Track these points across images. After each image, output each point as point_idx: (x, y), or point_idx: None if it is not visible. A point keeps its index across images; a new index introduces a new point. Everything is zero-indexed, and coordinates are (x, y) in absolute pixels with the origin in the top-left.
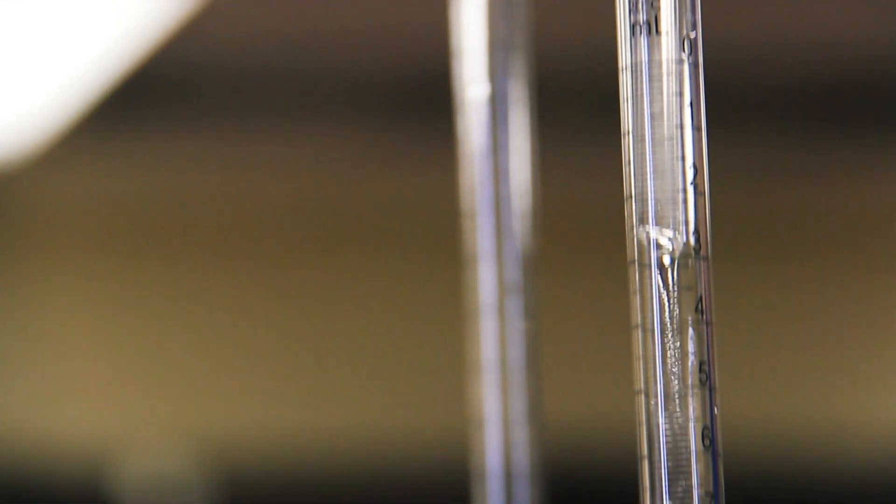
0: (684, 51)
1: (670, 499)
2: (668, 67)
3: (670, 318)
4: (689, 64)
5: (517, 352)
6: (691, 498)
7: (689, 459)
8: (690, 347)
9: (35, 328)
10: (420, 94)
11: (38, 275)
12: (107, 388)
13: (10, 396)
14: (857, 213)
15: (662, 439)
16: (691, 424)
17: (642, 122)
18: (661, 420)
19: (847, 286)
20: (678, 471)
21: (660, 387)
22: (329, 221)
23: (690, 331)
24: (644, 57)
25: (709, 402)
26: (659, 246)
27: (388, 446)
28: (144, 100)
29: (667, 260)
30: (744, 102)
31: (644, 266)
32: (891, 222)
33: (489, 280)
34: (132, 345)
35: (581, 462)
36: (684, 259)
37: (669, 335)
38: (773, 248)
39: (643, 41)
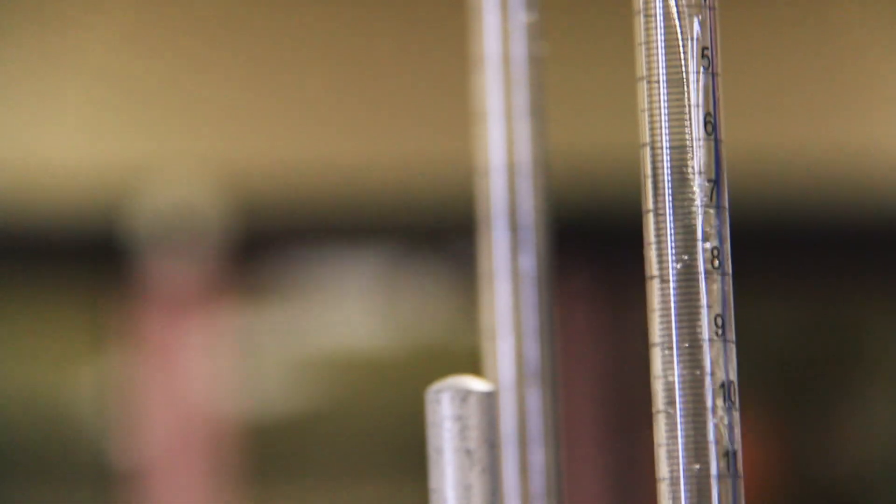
0: None
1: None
2: None
3: (680, 70)
4: None
5: (523, 100)
6: (696, 252)
7: (694, 218)
8: (696, 100)
9: (49, 58)
10: None
11: (59, 5)
12: (126, 119)
13: (29, 127)
14: None
15: (668, 194)
16: (696, 176)
17: None
18: (667, 174)
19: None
20: (686, 228)
21: (666, 141)
22: None
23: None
24: None
25: (714, 155)
26: None
27: (396, 173)
28: None
29: None
30: None
31: None
32: None
33: (494, 31)
34: (150, 75)
35: (583, 207)
36: None
37: (677, 87)
38: None
39: None
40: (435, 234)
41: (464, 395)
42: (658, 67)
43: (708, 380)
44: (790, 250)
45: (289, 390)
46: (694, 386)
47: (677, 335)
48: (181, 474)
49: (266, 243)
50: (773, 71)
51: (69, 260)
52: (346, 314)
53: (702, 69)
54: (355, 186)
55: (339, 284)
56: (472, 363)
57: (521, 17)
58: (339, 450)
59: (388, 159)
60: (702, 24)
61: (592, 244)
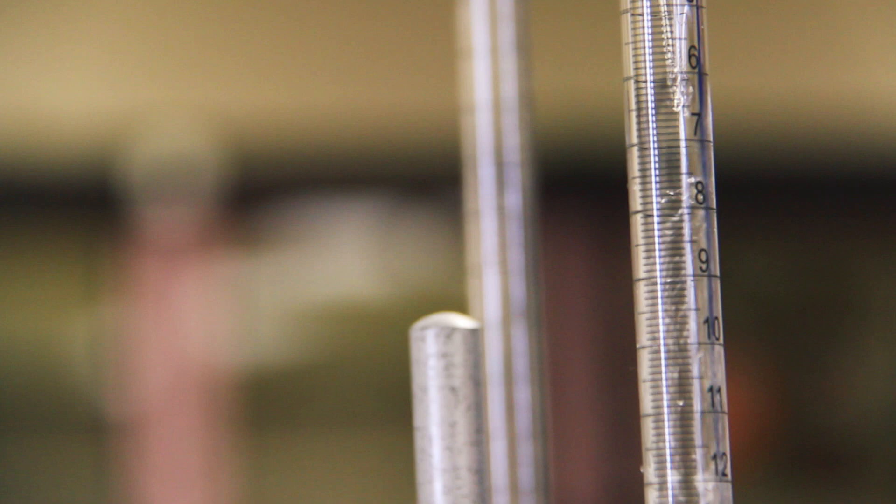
0: None
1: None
2: None
3: (665, 3)
4: None
5: (508, 37)
6: (680, 187)
7: (678, 151)
8: (680, 32)
9: (45, 6)
10: None
11: None
12: (120, 68)
13: (25, 75)
14: None
15: (652, 128)
16: (683, 111)
17: None
18: (650, 108)
19: None
20: (670, 162)
21: (650, 74)
22: None
23: (681, 13)
24: None
25: (699, 88)
26: None
27: (388, 123)
28: None
29: None
30: None
31: None
32: None
33: None
34: (144, 24)
35: (572, 146)
36: None
37: (661, 20)
38: None
39: None
40: (430, 180)
41: (449, 332)
42: (646, 69)
43: (692, 315)
44: (786, 192)
45: (284, 339)
46: (678, 321)
47: (661, 270)
48: (176, 423)
49: (261, 192)
50: (765, 9)
51: (65, 208)
52: (341, 263)
53: (686, 1)
54: (350, 135)
55: (334, 233)
56: (466, 309)
57: (509, 9)
58: (334, 398)
59: (383, 107)
60: (687, 22)
61: (579, 180)
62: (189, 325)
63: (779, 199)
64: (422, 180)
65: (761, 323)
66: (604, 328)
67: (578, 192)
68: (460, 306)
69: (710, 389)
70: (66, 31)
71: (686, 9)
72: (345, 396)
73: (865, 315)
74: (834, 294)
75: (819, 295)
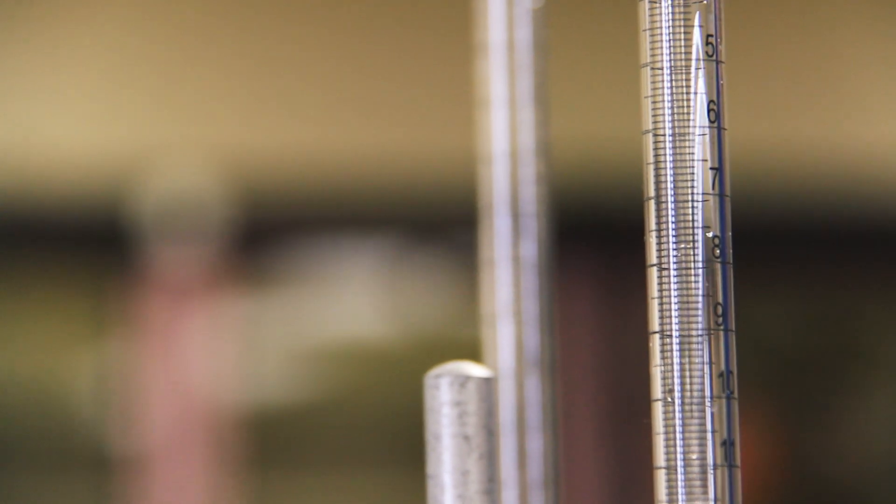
0: None
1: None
2: None
3: (684, 57)
4: None
5: (526, 88)
6: (697, 241)
7: (695, 205)
8: (701, 87)
9: (55, 44)
10: None
11: None
12: (128, 107)
13: (34, 114)
14: None
15: (670, 181)
16: (698, 164)
17: None
18: (669, 161)
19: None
20: (687, 216)
21: (668, 128)
22: None
23: (699, 70)
24: None
25: (717, 143)
26: None
27: (399, 161)
28: None
29: None
30: None
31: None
32: None
33: (499, 18)
34: (153, 63)
35: (588, 197)
36: None
37: (681, 74)
38: None
39: None
40: (439, 223)
41: (463, 381)
42: (662, 54)
43: (707, 369)
44: (793, 244)
45: (290, 379)
46: (692, 375)
47: (677, 324)
48: (181, 462)
49: (269, 232)
50: (781, 64)
51: (73, 246)
52: (348, 303)
53: (706, 56)
54: (359, 175)
55: (341, 273)
56: (476, 354)
57: (525, 4)
58: (340, 439)
59: (392, 148)
60: (707, 11)
61: (594, 232)
62: (195, 364)
63: (785, 250)
64: (432, 223)
65: (768, 373)
66: (615, 379)
67: (593, 243)
68: (469, 350)
69: (724, 443)
70: (74, 70)
71: (706, 64)
72: (350, 438)
73: (873, 366)
74: (840, 345)
75: (825, 346)
